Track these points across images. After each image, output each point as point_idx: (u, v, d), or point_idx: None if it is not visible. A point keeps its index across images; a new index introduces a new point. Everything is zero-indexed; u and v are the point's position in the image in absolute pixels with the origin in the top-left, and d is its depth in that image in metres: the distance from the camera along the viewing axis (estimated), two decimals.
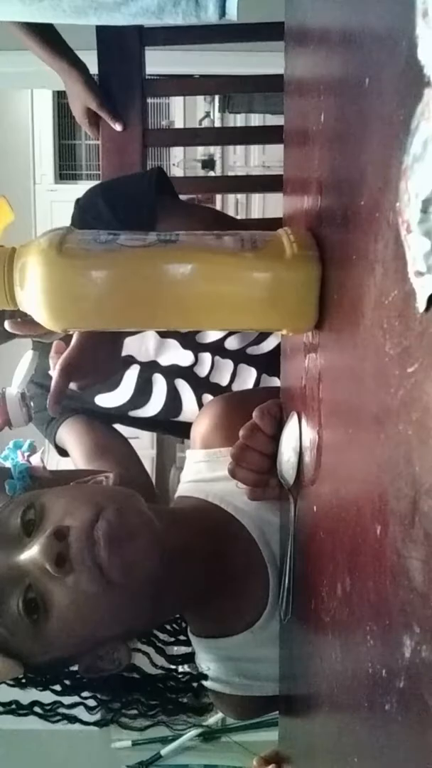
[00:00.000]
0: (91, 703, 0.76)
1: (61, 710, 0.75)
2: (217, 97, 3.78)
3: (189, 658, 0.82)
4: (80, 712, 0.76)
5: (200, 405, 1.07)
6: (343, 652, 0.37)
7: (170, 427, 1.14)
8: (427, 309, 0.22)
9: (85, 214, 0.99)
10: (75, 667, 0.72)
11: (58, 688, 0.74)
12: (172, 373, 1.06)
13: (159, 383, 1.07)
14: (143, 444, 3.80)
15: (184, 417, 1.09)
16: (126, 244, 0.45)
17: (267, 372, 1.06)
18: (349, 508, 0.35)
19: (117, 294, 0.45)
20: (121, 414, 1.10)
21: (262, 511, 0.74)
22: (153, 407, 1.09)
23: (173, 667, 0.82)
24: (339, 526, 0.38)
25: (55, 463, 1.12)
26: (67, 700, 0.76)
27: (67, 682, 0.74)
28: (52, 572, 0.58)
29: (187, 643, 0.81)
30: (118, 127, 1.27)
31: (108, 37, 1.27)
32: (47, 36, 1.20)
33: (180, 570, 0.67)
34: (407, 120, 0.23)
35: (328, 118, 0.41)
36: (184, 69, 2.10)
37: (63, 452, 1.13)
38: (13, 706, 0.74)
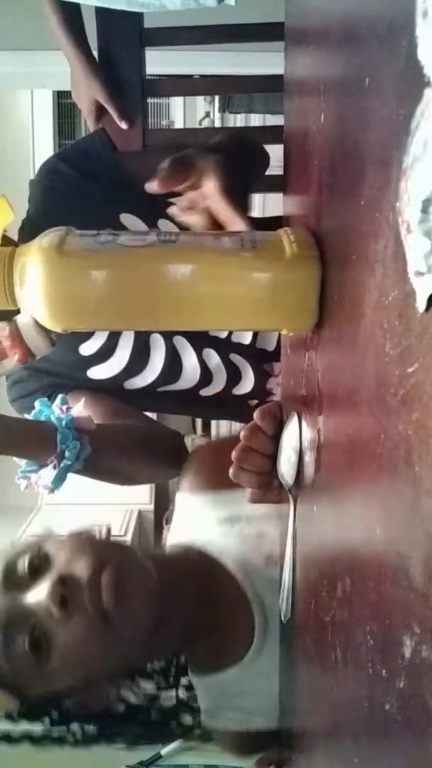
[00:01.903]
0: (79, 734, 0.78)
1: (51, 737, 0.77)
2: (217, 98, 3.78)
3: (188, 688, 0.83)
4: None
5: (201, 362, 1.03)
6: (343, 652, 0.37)
7: (167, 399, 1.08)
8: (427, 309, 0.22)
9: (47, 181, 0.99)
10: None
11: (47, 720, 0.76)
12: (170, 331, 1.01)
13: (157, 343, 1.02)
14: None
15: (183, 382, 1.04)
16: (126, 244, 0.45)
17: None
18: (349, 508, 0.35)
19: (117, 294, 0.45)
20: (115, 386, 1.04)
21: (247, 553, 0.80)
22: (151, 372, 1.03)
23: (159, 693, 0.82)
24: (339, 526, 0.38)
25: None
26: (56, 729, 0.77)
27: (56, 715, 0.76)
28: (56, 615, 0.64)
29: (188, 687, 0.82)
30: (124, 125, 1.27)
31: (108, 37, 1.27)
32: (73, 23, 1.21)
33: (171, 613, 0.71)
34: (407, 120, 0.23)
35: (328, 118, 0.41)
36: (184, 69, 2.10)
37: None
38: (5, 738, 0.76)
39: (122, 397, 1.06)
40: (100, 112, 1.28)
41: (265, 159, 1.03)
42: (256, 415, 0.68)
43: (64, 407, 0.83)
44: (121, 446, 0.92)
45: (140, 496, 4.49)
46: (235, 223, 0.61)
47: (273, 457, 0.67)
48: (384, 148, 0.26)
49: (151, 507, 4.64)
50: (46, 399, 0.86)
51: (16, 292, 0.46)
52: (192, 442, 4.92)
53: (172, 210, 0.68)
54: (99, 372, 1.03)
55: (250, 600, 0.77)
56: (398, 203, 0.24)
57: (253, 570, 0.78)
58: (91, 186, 0.98)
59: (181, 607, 0.74)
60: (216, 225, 0.64)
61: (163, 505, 4.47)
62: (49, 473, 0.79)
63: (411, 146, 0.22)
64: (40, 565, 0.68)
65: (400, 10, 0.24)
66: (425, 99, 0.21)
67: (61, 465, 0.78)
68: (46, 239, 0.45)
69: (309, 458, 0.51)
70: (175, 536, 0.87)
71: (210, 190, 0.62)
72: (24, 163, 4.28)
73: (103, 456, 0.84)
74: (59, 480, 0.79)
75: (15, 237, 0.97)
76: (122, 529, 4.44)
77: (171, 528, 0.89)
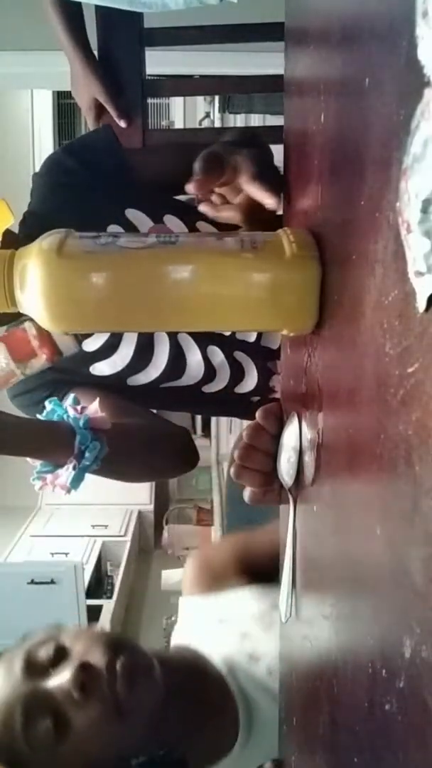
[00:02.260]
0: None
1: None
2: (217, 98, 3.77)
3: None
4: None
5: (205, 360, 1.02)
6: (343, 652, 0.37)
7: (169, 396, 1.08)
8: (427, 309, 0.22)
9: (51, 175, 0.99)
10: None
11: None
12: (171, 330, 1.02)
13: (162, 339, 1.01)
14: None
15: (187, 379, 1.03)
16: (126, 245, 0.45)
17: None
18: (350, 508, 0.35)
19: (117, 295, 0.45)
20: (118, 383, 1.03)
21: (232, 652, 0.88)
22: (155, 369, 1.02)
23: None
24: (339, 526, 0.38)
25: None
26: None
27: None
28: (77, 697, 0.70)
29: None
30: (123, 124, 1.27)
31: (108, 37, 1.27)
32: (74, 22, 1.21)
33: (170, 706, 0.78)
34: (407, 120, 0.23)
35: (328, 118, 0.41)
36: (184, 69, 2.10)
37: None
38: None
39: (124, 393, 1.05)
40: (100, 110, 1.28)
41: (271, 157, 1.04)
42: (258, 414, 0.68)
43: (79, 407, 0.83)
44: (133, 445, 0.92)
45: (140, 496, 4.49)
46: (267, 197, 0.61)
47: (274, 457, 0.67)
48: (384, 148, 0.26)
49: (151, 507, 4.64)
50: (57, 399, 0.86)
51: (16, 295, 0.46)
52: None
53: (203, 208, 0.68)
54: (102, 368, 1.03)
55: (234, 695, 0.84)
56: (398, 203, 0.24)
57: (238, 667, 0.86)
58: (97, 180, 0.98)
59: (177, 701, 0.79)
60: (251, 218, 0.64)
61: (162, 505, 4.47)
62: (67, 474, 0.79)
63: (411, 146, 0.22)
64: (58, 655, 0.75)
65: (400, 10, 0.24)
66: (425, 99, 0.21)
67: (80, 466, 0.78)
68: (46, 241, 0.45)
69: (309, 458, 0.51)
70: (177, 638, 0.95)
71: (245, 183, 0.63)
72: (24, 163, 4.27)
73: (117, 455, 0.84)
74: (77, 480, 0.79)
75: (15, 231, 0.97)
76: (122, 529, 4.44)
77: (175, 630, 0.97)
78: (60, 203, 0.98)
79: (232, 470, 0.70)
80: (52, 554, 3.89)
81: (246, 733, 0.83)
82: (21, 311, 0.47)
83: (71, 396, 0.86)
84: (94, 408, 0.82)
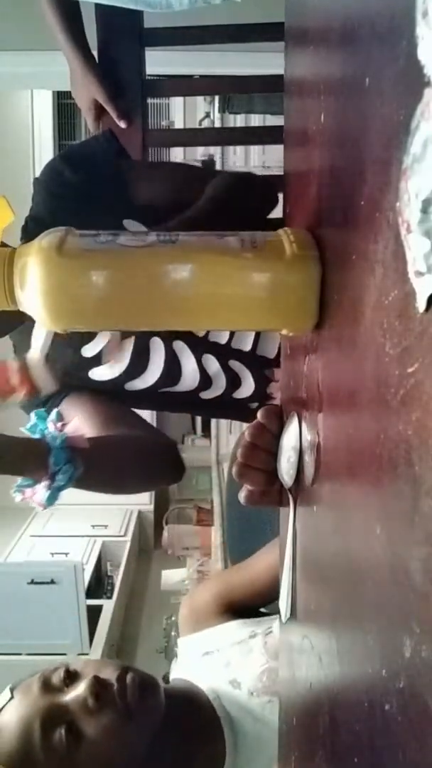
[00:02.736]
0: None
1: None
2: (217, 98, 3.77)
3: None
4: None
5: (200, 368, 1.02)
6: (342, 652, 0.37)
7: (167, 400, 1.09)
8: (427, 309, 0.22)
9: (50, 183, 0.99)
10: None
11: None
12: (170, 335, 1.02)
13: (157, 347, 1.01)
14: None
15: (183, 385, 1.04)
16: (126, 244, 0.45)
17: None
18: (350, 508, 0.35)
19: (117, 294, 0.45)
20: (116, 388, 1.04)
21: (217, 679, 0.96)
22: (151, 375, 1.03)
23: None
24: (339, 526, 0.38)
25: None
26: None
27: None
28: (91, 706, 0.77)
29: None
30: (122, 125, 1.27)
31: (108, 37, 1.27)
32: (72, 23, 1.20)
33: (168, 728, 0.84)
34: (407, 120, 0.23)
35: (328, 118, 0.41)
36: (184, 69, 2.10)
37: None
38: None
39: (123, 396, 1.06)
40: (99, 111, 1.28)
41: (269, 196, 1.04)
42: (260, 413, 0.68)
43: (59, 424, 0.83)
44: (114, 460, 0.93)
45: (140, 496, 4.49)
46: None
47: (275, 456, 0.67)
48: (384, 148, 0.26)
49: (151, 507, 4.64)
50: (42, 410, 0.86)
51: (16, 293, 0.46)
52: (192, 442, 4.91)
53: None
54: (100, 373, 1.03)
55: (221, 718, 0.91)
56: (398, 203, 0.24)
57: (222, 694, 0.94)
58: (94, 192, 0.98)
59: (174, 728, 0.86)
60: None
61: (162, 506, 4.47)
62: (42, 491, 0.79)
63: (411, 146, 0.22)
64: (71, 676, 0.83)
65: (400, 10, 0.24)
66: (425, 99, 0.21)
67: (54, 485, 0.79)
68: (46, 240, 0.45)
69: (309, 458, 0.51)
70: (175, 672, 1.05)
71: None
72: (24, 163, 4.28)
73: (95, 472, 0.85)
74: (51, 499, 0.80)
75: (17, 235, 0.97)
76: (122, 529, 4.45)
77: (172, 668, 1.07)
78: (58, 213, 0.98)
79: (234, 469, 0.70)
80: (52, 554, 3.89)
81: (233, 755, 0.89)
82: (21, 309, 0.47)
83: (55, 411, 0.86)
84: (74, 426, 0.83)
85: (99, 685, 0.79)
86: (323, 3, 0.44)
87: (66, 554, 3.84)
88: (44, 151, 4.44)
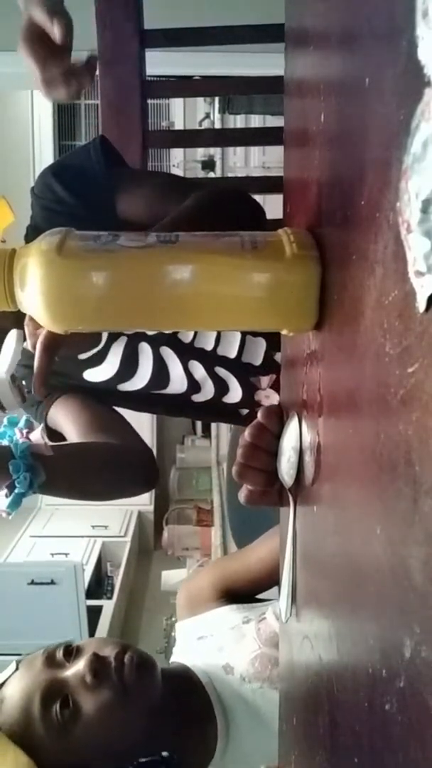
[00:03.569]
0: None
1: None
2: (217, 99, 3.78)
3: None
4: None
5: (187, 373, 1.03)
6: (342, 652, 0.37)
7: (160, 401, 1.10)
8: (427, 309, 0.22)
9: (43, 199, 0.98)
10: None
11: None
12: (157, 341, 1.03)
13: (145, 352, 1.02)
14: None
15: (172, 389, 1.05)
16: (126, 244, 0.45)
17: (251, 333, 1.03)
18: (350, 508, 0.35)
19: (117, 295, 0.45)
20: (109, 389, 1.06)
21: (210, 664, 0.97)
22: (141, 379, 1.04)
23: None
24: (339, 526, 0.38)
25: None
26: None
27: None
28: (89, 682, 0.79)
29: None
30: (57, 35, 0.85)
31: (108, 39, 1.27)
32: None
33: (164, 709, 0.86)
34: (407, 120, 0.23)
35: (328, 118, 0.41)
36: (184, 70, 2.10)
37: (53, 434, 1.08)
38: None
39: (118, 397, 1.07)
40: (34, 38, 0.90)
41: (252, 210, 1.03)
42: (260, 413, 0.68)
43: (25, 431, 0.83)
44: (80, 468, 0.93)
45: (140, 497, 4.48)
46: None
47: (276, 457, 0.67)
48: (384, 148, 0.26)
49: (151, 508, 4.63)
50: (15, 416, 0.86)
51: (16, 294, 0.46)
52: (192, 442, 4.91)
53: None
54: (93, 375, 1.05)
55: (214, 703, 0.93)
56: (398, 203, 0.24)
57: (215, 677, 0.95)
58: (86, 208, 0.97)
59: (170, 708, 0.87)
60: None
61: (162, 506, 4.47)
62: (3, 499, 0.79)
63: (411, 146, 0.22)
64: (73, 653, 0.85)
65: (400, 10, 0.24)
66: (425, 99, 0.21)
67: (14, 492, 0.79)
68: (46, 240, 0.45)
69: (309, 458, 0.51)
70: (173, 656, 1.07)
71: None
72: (24, 163, 4.28)
73: (59, 479, 0.85)
74: (14, 505, 0.80)
75: (17, 239, 0.97)
76: (122, 530, 4.44)
77: (173, 651, 1.09)
78: (55, 225, 0.98)
79: (234, 469, 0.70)
80: (52, 555, 3.89)
81: (224, 740, 0.91)
82: (21, 310, 0.47)
83: (24, 418, 0.86)
84: (37, 435, 0.83)
85: (97, 662, 0.81)
86: (323, 3, 0.44)
87: (66, 555, 3.84)
88: (44, 151, 4.45)
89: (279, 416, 0.67)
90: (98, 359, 1.03)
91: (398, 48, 0.24)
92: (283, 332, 0.50)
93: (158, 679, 0.85)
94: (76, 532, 4.20)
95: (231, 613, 1.02)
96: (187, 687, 0.94)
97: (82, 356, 1.02)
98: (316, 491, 0.47)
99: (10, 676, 0.84)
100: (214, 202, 0.95)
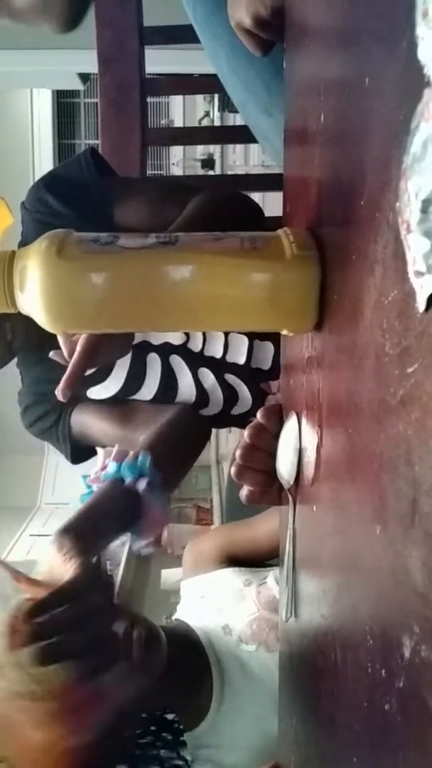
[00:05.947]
0: None
1: None
2: (216, 97, 3.78)
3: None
4: None
5: (197, 382, 1.03)
6: (343, 652, 0.37)
7: None
8: (427, 309, 0.22)
9: (36, 213, 0.97)
10: None
11: None
12: (166, 351, 1.03)
13: (153, 363, 1.03)
14: None
15: (180, 398, 1.05)
16: (125, 245, 0.45)
17: (258, 337, 1.04)
18: (349, 508, 0.35)
19: (117, 296, 0.45)
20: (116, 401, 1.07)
21: (209, 624, 0.98)
22: (148, 391, 1.04)
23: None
24: (339, 526, 0.38)
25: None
26: None
27: None
28: None
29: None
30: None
31: (108, 36, 1.27)
32: None
33: (167, 670, 0.86)
34: (407, 120, 0.23)
35: (328, 118, 0.41)
36: (183, 68, 2.10)
37: (79, 450, 1.09)
38: None
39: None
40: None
41: (253, 213, 1.04)
42: (259, 414, 0.68)
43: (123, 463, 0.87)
44: (175, 446, 0.97)
45: None
46: None
47: (275, 456, 0.67)
48: (384, 148, 0.26)
49: None
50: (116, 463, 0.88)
51: (15, 295, 0.46)
52: None
53: None
54: (97, 392, 1.05)
55: (211, 663, 0.93)
56: (398, 203, 0.24)
57: (214, 637, 0.96)
58: (81, 219, 0.96)
59: (172, 668, 0.87)
60: None
61: None
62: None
63: (411, 146, 0.22)
64: None
65: (400, 10, 0.24)
66: (425, 99, 0.21)
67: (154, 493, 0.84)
68: (46, 241, 0.45)
69: (309, 458, 0.51)
70: (176, 614, 1.08)
71: None
72: (24, 163, 4.28)
73: (167, 467, 0.89)
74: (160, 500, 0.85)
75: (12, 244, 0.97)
76: None
77: (176, 608, 1.09)
78: None
79: (233, 470, 0.70)
80: None
81: (219, 700, 0.92)
82: (21, 312, 0.47)
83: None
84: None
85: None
86: (323, 3, 0.44)
87: None
88: (44, 151, 4.45)
89: (278, 416, 0.67)
90: (103, 375, 1.03)
91: (398, 48, 0.24)
92: (283, 332, 0.50)
93: (164, 653, 0.85)
94: None
95: (233, 575, 1.03)
96: (187, 646, 0.94)
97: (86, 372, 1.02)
98: (316, 491, 0.47)
99: None
100: (217, 208, 0.95)
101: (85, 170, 0.99)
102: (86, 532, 0.81)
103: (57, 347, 0.82)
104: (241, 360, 1.04)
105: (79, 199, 0.97)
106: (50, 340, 0.75)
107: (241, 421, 1.10)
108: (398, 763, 0.25)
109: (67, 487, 4.03)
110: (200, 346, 1.04)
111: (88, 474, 1.00)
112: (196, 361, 1.03)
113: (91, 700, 0.75)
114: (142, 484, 0.85)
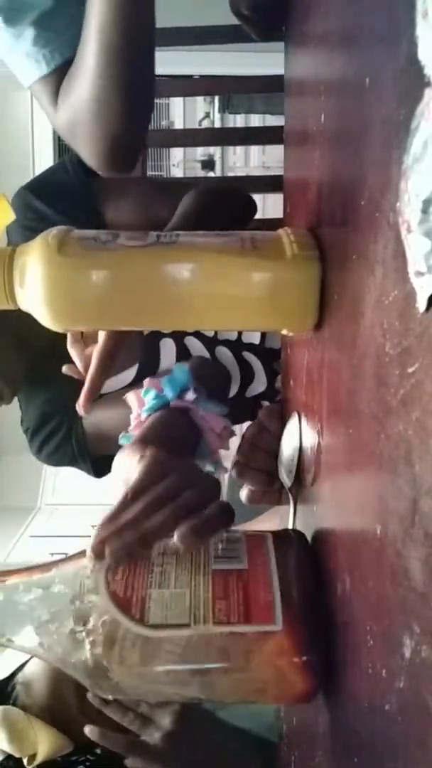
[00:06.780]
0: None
1: None
2: (216, 98, 3.78)
3: None
4: None
5: (214, 359, 1.04)
6: (343, 652, 0.37)
7: None
8: (427, 309, 0.22)
9: (24, 220, 0.96)
10: None
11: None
12: (180, 335, 1.02)
13: (167, 347, 1.01)
14: None
15: None
16: (126, 243, 0.45)
17: None
18: (349, 508, 0.35)
19: (117, 293, 0.45)
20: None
21: None
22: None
23: None
24: (339, 526, 0.38)
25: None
26: None
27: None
28: None
29: None
30: None
31: None
32: None
33: None
34: (407, 120, 0.23)
35: (329, 118, 0.41)
36: (183, 69, 2.10)
37: (100, 460, 1.05)
38: None
39: None
40: None
41: (247, 209, 1.03)
42: (261, 413, 0.69)
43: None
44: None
45: None
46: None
47: (276, 457, 0.67)
48: (384, 148, 0.26)
49: None
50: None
51: (16, 292, 0.46)
52: None
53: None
54: (110, 386, 1.02)
55: None
56: (398, 203, 0.24)
57: None
58: (71, 221, 0.96)
59: None
60: None
61: None
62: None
63: (411, 146, 0.22)
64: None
65: (400, 10, 0.24)
66: (425, 99, 0.21)
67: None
68: (46, 238, 0.45)
69: (309, 458, 0.51)
70: None
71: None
72: (24, 163, 4.28)
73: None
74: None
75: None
76: None
77: None
78: None
79: (234, 469, 0.70)
80: (52, 554, 3.89)
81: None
82: (21, 308, 0.47)
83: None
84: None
85: None
86: (323, 3, 0.44)
87: (65, 554, 3.83)
88: (44, 150, 4.44)
89: (279, 416, 0.68)
90: (119, 368, 1.02)
91: (398, 48, 0.24)
92: (283, 332, 0.50)
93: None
94: (76, 531, 4.19)
95: None
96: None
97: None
98: (316, 491, 0.47)
99: (30, 658, 0.82)
100: (210, 202, 0.95)
101: (72, 173, 0.98)
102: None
103: (61, 366, 0.82)
104: (257, 340, 1.05)
105: (66, 202, 0.96)
106: (56, 360, 0.75)
107: (253, 407, 1.10)
108: (398, 764, 0.25)
109: (67, 487, 4.03)
110: (213, 331, 1.04)
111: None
112: (212, 342, 1.03)
113: None
114: (190, 396, 0.80)
